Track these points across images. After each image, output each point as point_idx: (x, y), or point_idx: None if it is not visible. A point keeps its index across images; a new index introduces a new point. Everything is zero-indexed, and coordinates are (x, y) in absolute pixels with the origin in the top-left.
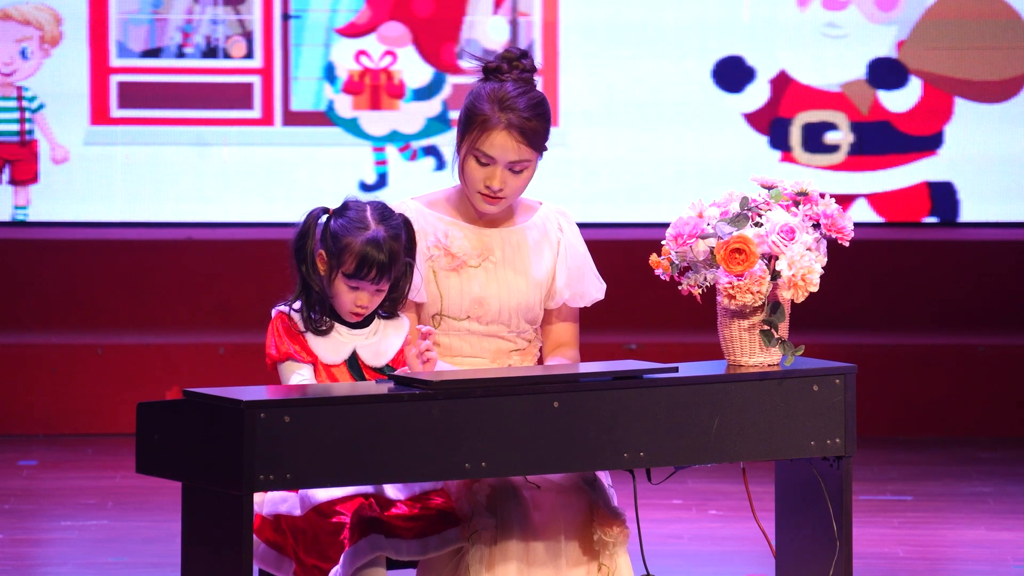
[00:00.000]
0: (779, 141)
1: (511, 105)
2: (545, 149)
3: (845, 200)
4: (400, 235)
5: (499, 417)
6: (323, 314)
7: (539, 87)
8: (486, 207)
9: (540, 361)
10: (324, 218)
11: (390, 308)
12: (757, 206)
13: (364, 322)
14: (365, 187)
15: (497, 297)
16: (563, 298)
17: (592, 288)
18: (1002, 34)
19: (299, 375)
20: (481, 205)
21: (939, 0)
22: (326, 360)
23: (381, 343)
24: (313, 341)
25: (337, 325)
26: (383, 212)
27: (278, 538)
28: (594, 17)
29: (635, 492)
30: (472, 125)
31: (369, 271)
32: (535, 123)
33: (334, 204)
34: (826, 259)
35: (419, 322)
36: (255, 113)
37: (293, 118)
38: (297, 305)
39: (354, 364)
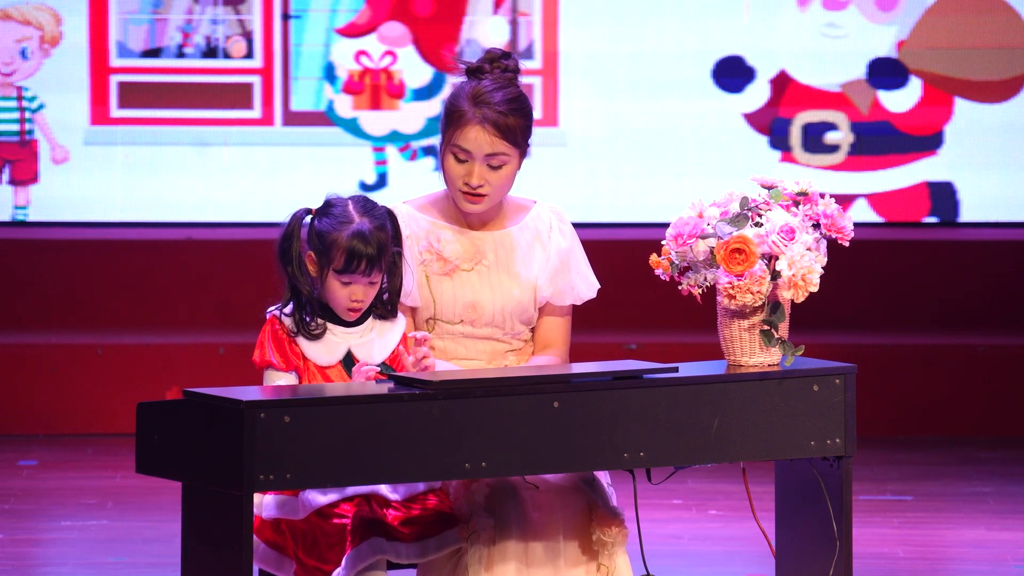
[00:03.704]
0: (779, 141)
1: (486, 100)
2: (527, 146)
3: (845, 200)
4: (385, 224)
5: (499, 417)
6: (315, 316)
7: (529, 92)
8: (468, 206)
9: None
10: (308, 219)
11: (387, 308)
12: (757, 206)
13: (358, 321)
14: (365, 187)
15: (491, 301)
16: (544, 295)
17: (581, 285)
18: (1002, 34)
19: (278, 383)
20: (463, 204)
21: (939, 0)
22: (320, 362)
23: (376, 342)
24: (306, 345)
25: (330, 326)
26: (365, 204)
27: (278, 538)
28: (594, 17)
29: (635, 492)
30: (450, 122)
31: (359, 264)
32: (511, 118)
33: (317, 204)
34: (826, 259)
35: (414, 326)
36: (255, 113)
37: (293, 118)
38: (288, 309)
39: (349, 364)
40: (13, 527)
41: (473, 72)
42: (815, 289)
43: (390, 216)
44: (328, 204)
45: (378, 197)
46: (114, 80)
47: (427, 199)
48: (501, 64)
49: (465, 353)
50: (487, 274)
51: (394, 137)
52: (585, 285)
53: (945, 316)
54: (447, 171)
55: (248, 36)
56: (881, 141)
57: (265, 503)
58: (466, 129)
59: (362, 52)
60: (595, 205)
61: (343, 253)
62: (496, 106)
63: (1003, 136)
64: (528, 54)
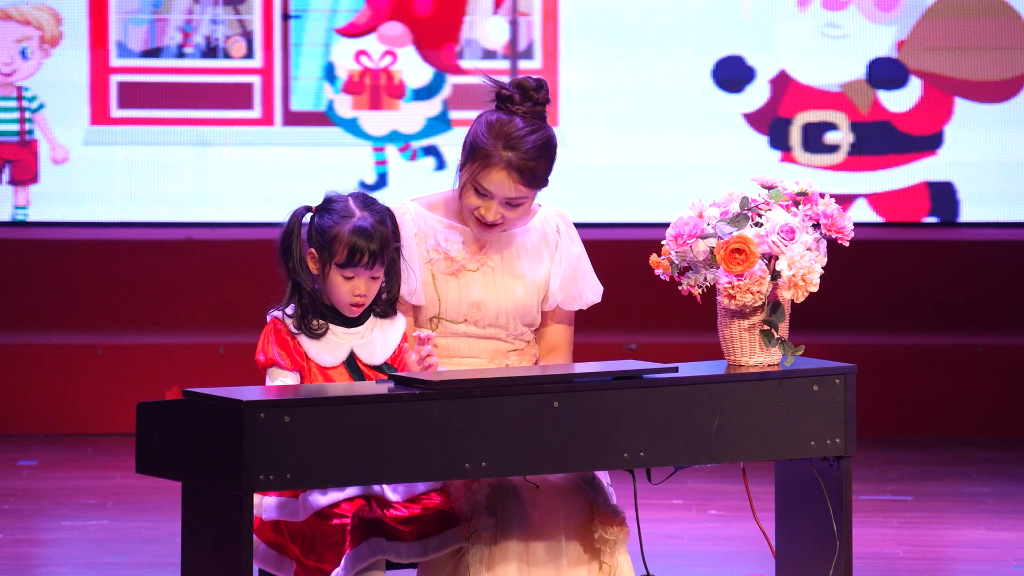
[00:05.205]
0: (779, 141)
1: (515, 144)
2: (546, 184)
3: (845, 200)
4: (386, 219)
5: (499, 417)
6: (316, 316)
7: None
8: (481, 234)
9: (536, 363)
10: (308, 217)
11: (387, 306)
12: (757, 206)
13: (359, 321)
14: (365, 187)
15: (495, 301)
16: (556, 300)
17: (588, 290)
18: (1002, 34)
19: (282, 381)
20: (475, 230)
21: (939, 0)
22: (323, 363)
23: (378, 341)
24: (308, 344)
25: (332, 327)
26: (365, 200)
27: (278, 538)
28: (594, 17)
29: (635, 492)
30: (475, 156)
31: (362, 257)
32: (535, 164)
33: (316, 203)
34: (826, 259)
35: (416, 325)
36: (255, 113)
37: (293, 118)
38: (290, 310)
39: (352, 365)
40: (13, 527)
41: (503, 100)
42: (815, 289)
43: (389, 214)
44: (328, 201)
45: (379, 197)
46: (114, 80)
47: (435, 198)
48: (533, 96)
49: (468, 352)
50: (492, 275)
51: (394, 137)
52: (591, 290)
53: (945, 316)
54: (464, 199)
55: (248, 36)
56: (881, 141)
57: (266, 504)
58: (491, 171)
59: (362, 52)
60: (595, 205)
61: (345, 247)
62: (524, 153)
63: (1003, 136)
64: (528, 54)
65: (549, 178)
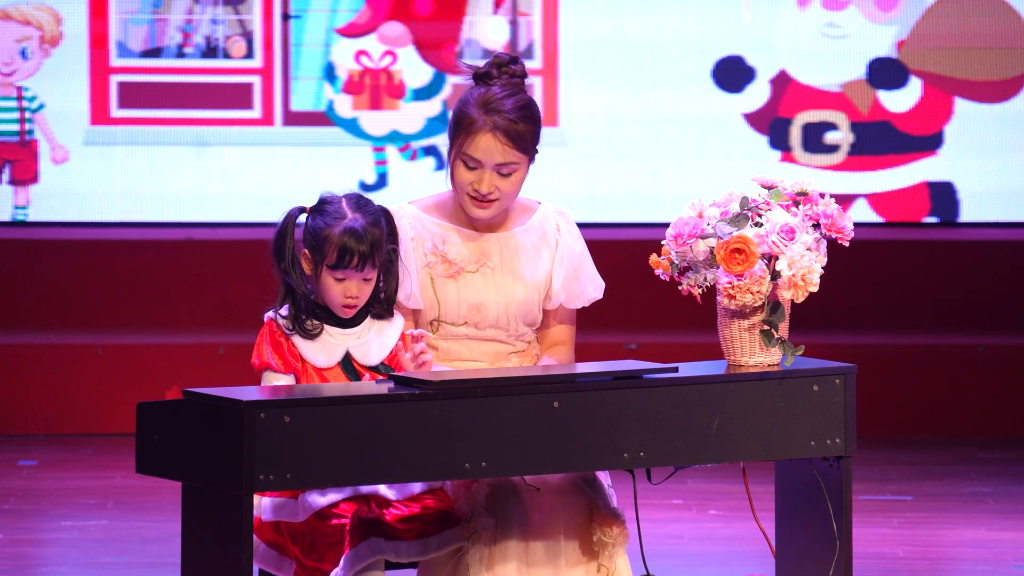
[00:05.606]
0: (779, 141)
1: (496, 107)
2: (535, 152)
3: (845, 200)
4: (379, 221)
5: (499, 417)
6: (311, 316)
7: (530, 92)
8: (476, 212)
9: (539, 358)
10: (302, 217)
11: (383, 307)
12: (757, 206)
13: (355, 322)
14: (365, 187)
15: (495, 303)
16: (559, 299)
17: (590, 287)
18: (1002, 34)
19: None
20: (471, 210)
21: (939, 0)
22: (317, 363)
23: (374, 341)
24: (303, 345)
25: (327, 327)
26: (359, 201)
27: (278, 538)
28: (594, 17)
29: (635, 492)
30: (459, 128)
31: (351, 258)
32: (521, 125)
33: (311, 203)
34: (826, 259)
35: (416, 328)
36: (255, 113)
37: (293, 118)
38: (284, 311)
39: (348, 365)
40: (13, 527)
41: (480, 77)
42: (815, 289)
43: (385, 215)
44: (322, 202)
45: (379, 197)
46: (114, 80)
47: (432, 200)
48: (509, 69)
49: (468, 355)
50: (491, 276)
51: (394, 137)
52: (593, 287)
53: (945, 316)
54: (456, 178)
55: (248, 36)
56: (881, 141)
57: (264, 506)
58: (477, 137)
59: (362, 52)
60: (595, 205)
61: (335, 248)
62: (507, 114)
63: (1003, 136)
64: (528, 54)
65: (537, 146)
